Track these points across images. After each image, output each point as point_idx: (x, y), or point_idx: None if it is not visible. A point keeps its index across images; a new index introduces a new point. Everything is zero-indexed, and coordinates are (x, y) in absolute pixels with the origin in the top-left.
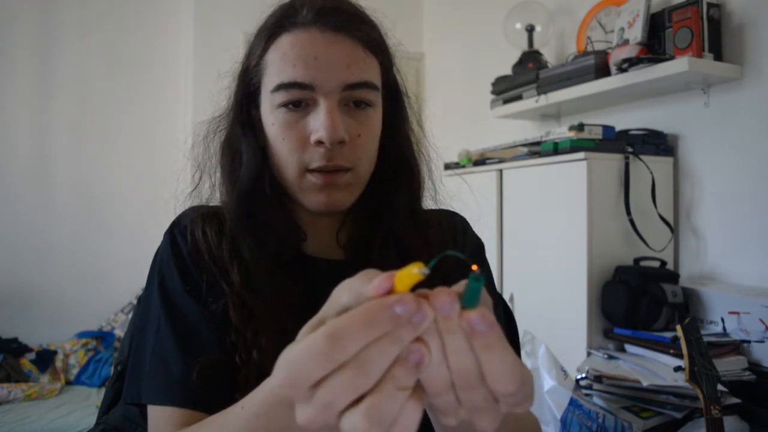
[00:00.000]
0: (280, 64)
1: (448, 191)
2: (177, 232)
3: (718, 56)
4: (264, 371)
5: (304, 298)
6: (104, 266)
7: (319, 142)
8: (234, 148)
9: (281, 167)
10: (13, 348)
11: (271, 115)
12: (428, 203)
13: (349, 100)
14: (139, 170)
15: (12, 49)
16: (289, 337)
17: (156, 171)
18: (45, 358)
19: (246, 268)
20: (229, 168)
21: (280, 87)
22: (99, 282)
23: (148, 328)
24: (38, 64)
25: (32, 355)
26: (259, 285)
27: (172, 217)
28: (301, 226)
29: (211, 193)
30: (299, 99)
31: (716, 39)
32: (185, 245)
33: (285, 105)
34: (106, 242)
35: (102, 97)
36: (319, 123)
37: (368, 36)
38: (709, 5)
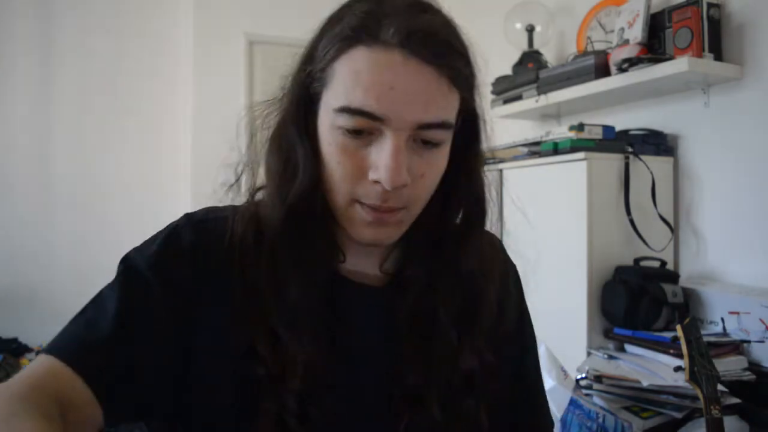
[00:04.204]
0: (349, 83)
1: None
2: (190, 228)
3: (718, 56)
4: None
5: (334, 320)
6: (104, 266)
7: (377, 182)
8: (286, 150)
9: (332, 190)
10: (13, 348)
11: (329, 134)
12: None
13: (419, 138)
14: (139, 169)
15: (13, 50)
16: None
17: (156, 170)
18: None
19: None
20: (280, 170)
21: (346, 110)
22: (99, 282)
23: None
24: (39, 64)
25: (32, 355)
26: (290, 303)
27: (173, 217)
28: (341, 246)
29: (250, 186)
30: (364, 128)
31: (716, 39)
32: (197, 243)
33: (347, 129)
34: (107, 242)
35: (102, 97)
36: (381, 162)
37: (457, 71)
38: (709, 5)
